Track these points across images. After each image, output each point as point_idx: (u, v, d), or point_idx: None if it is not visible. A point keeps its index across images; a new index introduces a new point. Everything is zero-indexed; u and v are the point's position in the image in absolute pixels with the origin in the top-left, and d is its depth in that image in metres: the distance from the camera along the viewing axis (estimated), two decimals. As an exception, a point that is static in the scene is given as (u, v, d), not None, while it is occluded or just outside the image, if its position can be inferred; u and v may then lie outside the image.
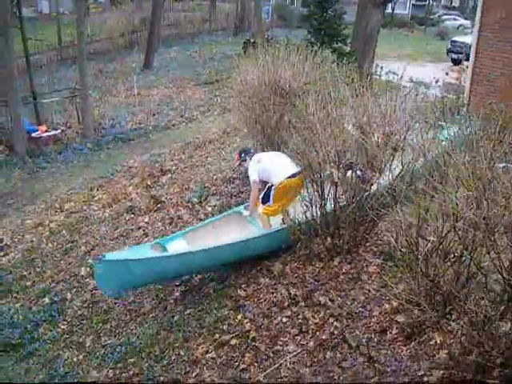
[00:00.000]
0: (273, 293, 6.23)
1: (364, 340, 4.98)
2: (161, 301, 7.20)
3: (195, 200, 9.69)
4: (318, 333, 5.34)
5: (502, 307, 4.05)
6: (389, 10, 37.03)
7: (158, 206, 10.06)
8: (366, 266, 6.09)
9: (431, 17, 45.74)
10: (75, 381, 6.13)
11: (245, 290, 6.49)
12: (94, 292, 7.88)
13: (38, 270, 9.18)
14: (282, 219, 7.13)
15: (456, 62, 21.88)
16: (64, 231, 10.36)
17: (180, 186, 10.77)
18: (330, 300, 5.69)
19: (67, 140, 16.56)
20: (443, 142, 5.24)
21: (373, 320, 5.24)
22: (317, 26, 15.65)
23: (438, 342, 4.62)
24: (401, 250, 4.84)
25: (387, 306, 5.32)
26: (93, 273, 8.17)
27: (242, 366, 5.30)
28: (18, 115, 15.50)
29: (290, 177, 6.80)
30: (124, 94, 21.29)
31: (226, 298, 6.48)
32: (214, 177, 10.62)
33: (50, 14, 39.19)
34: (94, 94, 19.82)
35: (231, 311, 6.20)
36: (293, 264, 6.61)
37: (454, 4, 61.25)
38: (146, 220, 9.63)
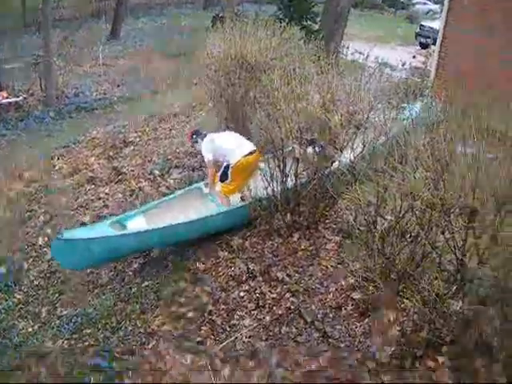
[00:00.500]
0: (231, 267, 6.25)
1: (319, 316, 5.06)
2: (119, 272, 7.15)
3: (157, 172, 9.59)
4: (274, 308, 5.39)
5: (454, 287, 4.15)
6: (360, -10, 36.95)
7: (120, 177, 9.93)
8: (325, 243, 6.15)
9: (402, 0, 45.80)
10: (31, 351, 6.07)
11: (203, 264, 6.49)
12: (51, 262, 7.76)
13: (-6, 238, 9.00)
14: (241, 197, 7.15)
15: (424, 46, 22.02)
16: (23, 200, 10.15)
17: (142, 158, 10.64)
18: (287, 275, 5.74)
19: (29, 108, 16.12)
20: (404, 121, 5.29)
21: (329, 296, 5.31)
22: (287, 3, 15.50)
23: (391, 318, 4.70)
24: (359, 228, 4.91)
25: (343, 282, 5.40)
26: (51, 243, 8.08)
27: (198, 339, 5.33)
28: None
29: (246, 155, 6.82)
30: (89, 63, 20.82)
31: (185, 271, 6.47)
32: (178, 150, 10.51)
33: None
34: (58, 62, 19.32)
35: (189, 284, 6.20)
36: (252, 239, 6.63)
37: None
38: (107, 191, 9.50)
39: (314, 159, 6.21)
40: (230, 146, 6.99)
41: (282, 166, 6.39)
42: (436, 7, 41.36)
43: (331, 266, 5.75)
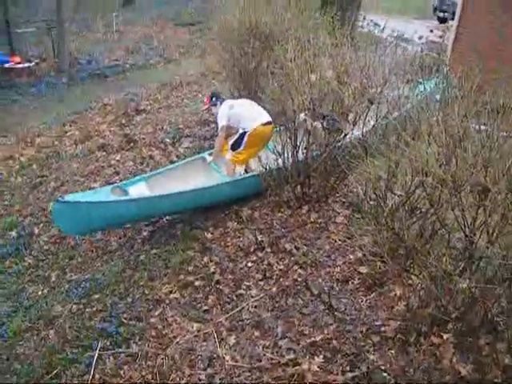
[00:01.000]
0: (240, 237, 6.27)
1: (326, 288, 5.07)
2: (128, 240, 7.20)
3: (168, 141, 9.61)
4: (281, 279, 5.41)
5: (462, 264, 4.13)
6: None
7: (131, 145, 9.95)
8: (334, 216, 6.15)
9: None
10: (41, 314, 6.15)
11: (212, 233, 6.52)
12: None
13: (5, 202, 9.07)
14: (245, 169, 7.15)
15: (442, 21, 21.69)
16: (34, 165, 10.22)
17: (154, 126, 10.65)
18: (295, 248, 5.75)
19: (41, 73, 16.12)
20: (418, 97, 5.23)
21: (336, 270, 5.33)
22: (303, -28, 15.30)
23: (398, 294, 4.72)
24: (368, 203, 4.88)
25: (351, 256, 5.41)
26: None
27: (205, 308, 5.37)
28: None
29: (264, 124, 6.79)
30: (103, 29, 20.73)
31: (193, 240, 6.50)
32: (189, 119, 10.51)
33: None
34: (71, 28, 19.22)
35: (197, 253, 6.23)
36: (262, 210, 6.64)
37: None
38: (118, 158, 9.53)
39: (325, 134, 6.17)
40: (249, 112, 6.97)
41: (293, 137, 6.36)
42: (456, -20, 40.50)
43: (339, 240, 5.76)
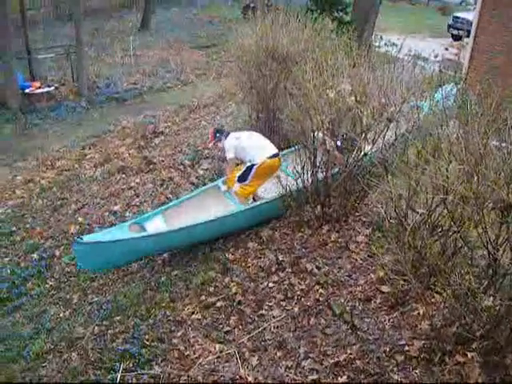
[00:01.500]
0: (261, 257, 6.28)
1: (348, 308, 5.05)
2: (149, 261, 7.23)
3: (187, 163, 9.68)
4: (303, 299, 5.40)
5: (486, 282, 4.10)
6: (392, -18, 36.52)
7: (150, 167, 10.03)
8: (355, 235, 6.13)
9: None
10: (63, 336, 6.18)
11: (233, 254, 6.54)
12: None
13: (27, 225, 9.16)
14: (253, 197, 7.21)
15: (456, 38, 21.70)
16: (55, 188, 10.33)
17: (173, 148, 10.74)
18: (316, 267, 5.75)
19: (61, 97, 16.32)
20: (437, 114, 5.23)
21: (358, 289, 5.31)
22: (318, -6, 15.42)
23: (421, 312, 4.69)
24: (389, 221, 4.87)
25: (373, 275, 5.39)
26: (82, 230, 8.21)
27: (227, 328, 5.37)
28: (12, 70, 15.28)
29: (271, 157, 6.89)
30: (120, 53, 20.97)
31: (214, 261, 6.52)
32: (207, 140, 10.57)
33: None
34: (89, 53, 19.51)
35: (218, 274, 6.25)
36: (282, 230, 6.66)
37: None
38: (137, 181, 9.61)
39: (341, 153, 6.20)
40: (256, 145, 7.05)
41: (312, 157, 6.38)
42: (470, -2, 40.58)
43: (361, 259, 5.74)
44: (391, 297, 4.98)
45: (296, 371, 4.55)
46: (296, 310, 5.29)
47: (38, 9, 26.58)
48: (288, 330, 5.05)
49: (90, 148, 12.32)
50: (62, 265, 7.75)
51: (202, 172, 9.17)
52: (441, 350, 4.23)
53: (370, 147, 6.07)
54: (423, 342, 4.39)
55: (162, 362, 5.21)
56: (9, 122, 14.58)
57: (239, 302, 5.65)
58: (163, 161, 10.15)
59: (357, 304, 5.10)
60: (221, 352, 5.06)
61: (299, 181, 6.54)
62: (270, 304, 5.50)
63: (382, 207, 5.07)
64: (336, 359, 4.54)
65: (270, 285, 5.78)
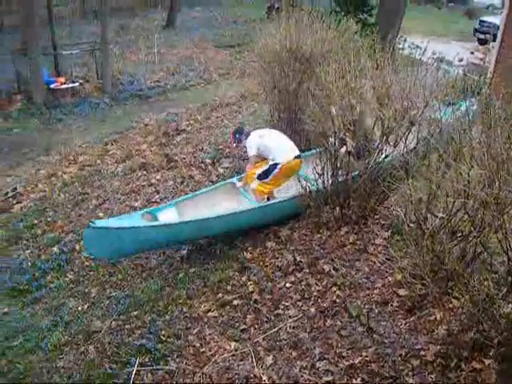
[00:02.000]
0: (278, 257, 6.29)
1: (365, 310, 5.03)
2: (167, 258, 7.28)
3: (208, 161, 9.72)
4: (319, 300, 5.40)
5: (505, 288, 4.07)
6: (418, -16, 36.29)
7: (171, 164, 10.09)
8: (374, 238, 6.11)
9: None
10: (80, 329, 6.24)
11: (251, 253, 6.55)
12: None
13: (48, 219, 9.28)
14: (267, 197, 7.20)
15: (482, 42, 21.47)
16: (76, 183, 10.44)
17: (194, 146, 10.78)
18: (334, 269, 5.74)
19: (85, 93, 16.51)
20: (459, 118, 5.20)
21: (375, 292, 5.28)
22: (343, -5, 15.36)
23: (438, 317, 4.66)
24: (409, 225, 4.85)
25: (390, 278, 5.36)
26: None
27: (243, 327, 5.39)
28: (38, 65, 15.47)
29: (295, 158, 6.91)
30: (144, 51, 21.12)
31: (232, 260, 6.55)
32: (229, 139, 10.60)
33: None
34: (114, 50, 19.68)
35: (236, 272, 6.27)
36: (300, 231, 6.65)
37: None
38: (158, 177, 9.67)
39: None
40: (280, 145, 7.06)
41: (333, 158, 6.37)
42: (497, 2, 40.07)
43: (379, 262, 5.71)
44: (408, 300, 4.95)
45: (310, 372, 4.55)
46: (312, 310, 5.29)
47: (66, 4, 26.88)
48: (304, 331, 5.05)
49: (112, 144, 12.43)
50: (82, 259, 7.83)
51: (222, 170, 9.20)
52: (457, 356, 4.20)
53: (391, 150, 6.04)
54: (439, 347, 4.36)
55: (177, 357, 5.24)
56: (34, 116, 14.79)
57: (256, 301, 5.67)
58: (184, 158, 10.19)
59: (373, 307, 5.08)
60: (236, 350, 5.07)
61: (319, 181, 6.53)
62: (287, 304, 5.50)
63: (401, 210, 5.06)
64: (351, 361, 4.52)
65: (287, 285, 5.78)
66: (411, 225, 4.85)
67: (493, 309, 3.98)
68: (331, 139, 6.29)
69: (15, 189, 10.59)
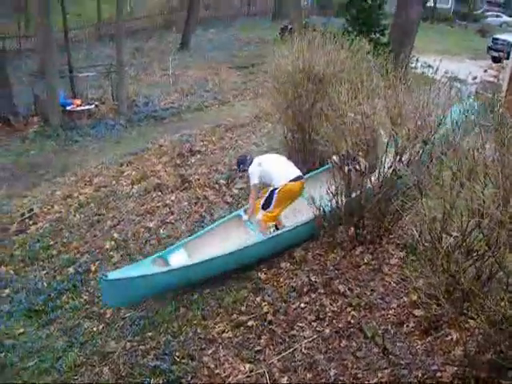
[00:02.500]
0: (293, 278, 6.27)
1: (380, 331, 5.00)
2: (182, 278, 7.28)
3: (222, 182, 9.74)
4: (334, 321, 5.37)
5: (522, 308, 4.02)
6: (431, 4, 36.47)
7: (186, 185, 10.12)
8: (388, 258, 6.08)
9: (474, 12, 44.80)
10: (95, 350, 6.25)
11: (265, 274, 6.54)
12: (117, 265, 7.98)
13: (64, 240, 9.32)
14: (276, 226, 7.18)
15: (496, 60, 21.46)
16: (92, 204, 10.50)
17: (208, 167, 10.82)
18: (348, 289, 5.71)
19: (100, 115, 16.70)
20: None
21: (390, 312, 5.25)
22: (355, 15, 15.40)
23: (455, 338, 4.61)
24: (423, 244, 4.83)
25: (406, 299, 5.33)
26: (117, 246, 8.32)
27: (258, 348, 5.37)
28: (54, 87, 15.71)
29: (293, 180, 6.84)
30: (159, 73, 21.36)
31: (246, 280, 6.53)
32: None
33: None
34: (129, 72, 19.92)
35: (250, 293, 6.26)
36: (315, 251, 6.64)
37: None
38: (173, 198, 9.70)
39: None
40: (277, 168, 7.00)
41: (347, 178, 6.37)
42: (510, 20, 40.10)
43: (394, 282, 5.68)
44: (424, 321, 4.92)
45: (326, 394, 4.52)
46: (327, 331, 5.26)
47: (82, 28, 27.33)
48: (319, 352, 5.03)
49: (127, 165, 12.51)
50: (97, 280, 7.85)
51: (236, 191, 9.22)
52: (474, 378, 4.15)
53: (405, 169, 6.02)
54: (456, 368, 4.31)
55: (191, 379, 5.23)
56: (50, 138, 14.99)
57: (270, 322, 5.65)
58: (199, 179, 10.23)
59: (389, 327, 5.05)
60: (251, 371, 5.05)
61: (333, 201, 6.53)
62: (301, 325, 5.48)
63: (415, 230, 5.03)
64: (367, 383, 4.49)
65: (302, 305, 5.76)
66: (426, 244, 4.82)
67: (510, 329, 3.93)
68: (344, 159, 6.29)
69: (31, 210, 10.68)
